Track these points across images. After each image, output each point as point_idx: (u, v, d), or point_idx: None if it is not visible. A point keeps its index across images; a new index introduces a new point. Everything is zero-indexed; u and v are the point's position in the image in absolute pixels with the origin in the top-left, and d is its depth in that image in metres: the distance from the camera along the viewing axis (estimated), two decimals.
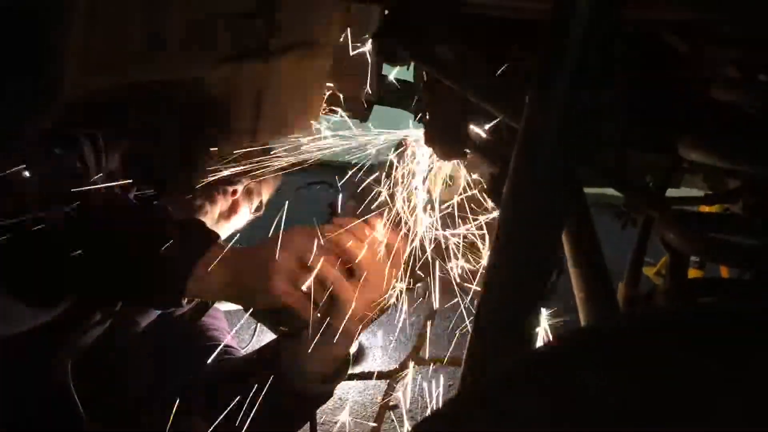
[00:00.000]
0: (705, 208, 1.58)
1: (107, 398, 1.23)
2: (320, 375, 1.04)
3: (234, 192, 1.41)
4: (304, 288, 0.90)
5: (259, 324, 1.78)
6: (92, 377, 1.22)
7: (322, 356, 1.02)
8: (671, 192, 0.99)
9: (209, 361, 1.26)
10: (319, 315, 0.94)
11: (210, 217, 1.39)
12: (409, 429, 1.47)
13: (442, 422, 0.34)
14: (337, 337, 0.97)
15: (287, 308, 0.90)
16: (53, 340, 1.14)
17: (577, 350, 0.32)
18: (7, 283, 1.05)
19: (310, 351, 1.03)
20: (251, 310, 1.00)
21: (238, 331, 1.91)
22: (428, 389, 1.66)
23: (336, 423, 1.49)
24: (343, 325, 0.95)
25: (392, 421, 1.53)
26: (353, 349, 1.81)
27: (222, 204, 1.40)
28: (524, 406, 0.33)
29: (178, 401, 1.18)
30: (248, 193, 1.48)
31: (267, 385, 1.07)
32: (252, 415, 1.12)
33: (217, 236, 0.96)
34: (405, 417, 1.53)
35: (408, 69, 1.24)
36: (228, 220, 1.44)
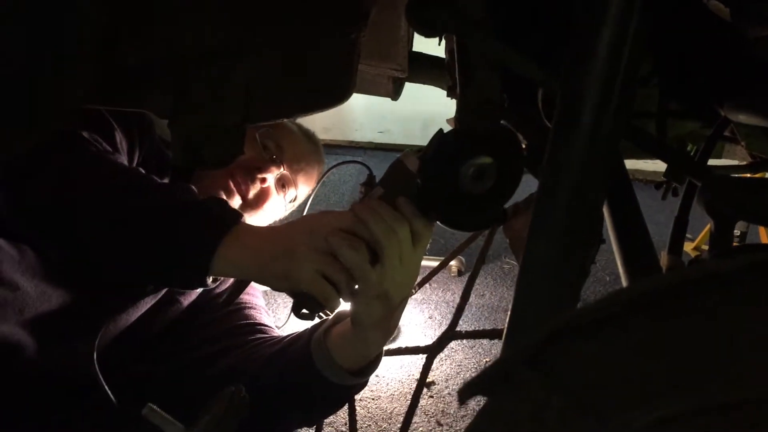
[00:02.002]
0: None
1: (149, 375, 1.26)
2: (353, 369, 1.04)
3: (263, 180, 1.38)
4: (326, 275, 0.89)
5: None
6: (135, 355, 1.25)
7: (354, 352, 1.02)
8: (712, 162, 0.97)
9: (248, 339, 1.28)
10: (341, 302, 0.93)
11: (234, 205, 1.38)
12: (448, 403, 1.47)
13: (485, 382, 0.34)
14: (368, 332, 0.97)
15: (309, 293, 0.89)
16: (84, 321, 1.16)
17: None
18: (43, 260, 1.08)
19: (342, 346, 1.03)
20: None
21: (274, 311, 1.94)
22: (465, 364, 1.67)
23: (374, 399, 1.50)
24: (368, 318, 0.94)
25: (430, 396, 1.53)
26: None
27: (250, 191, 1.38)
28: (574, 363, 0.32)
29: (216, 380, 1.21)
30: (282, 183, 1.44)
31: (300, 375, 1.07)
32: (288, 399, 1.13)
33: (240, 215, 0.95)
34: (443, 392, 1.54)
35: (439, 45, 1.23)
36: (257, 208, 1.40)
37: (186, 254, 0.90)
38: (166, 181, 1.28)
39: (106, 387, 1.14)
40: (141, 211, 0.91)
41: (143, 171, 1.04)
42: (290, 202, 1.49)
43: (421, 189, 0.85)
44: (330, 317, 1.06)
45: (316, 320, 1.00)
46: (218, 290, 1.43)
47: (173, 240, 0.90)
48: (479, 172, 0.83)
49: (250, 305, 1.42)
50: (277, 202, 1.45)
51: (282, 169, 1.42)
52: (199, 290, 1.39)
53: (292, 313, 0.92)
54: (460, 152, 0.82)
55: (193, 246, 0.89)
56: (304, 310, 0.91)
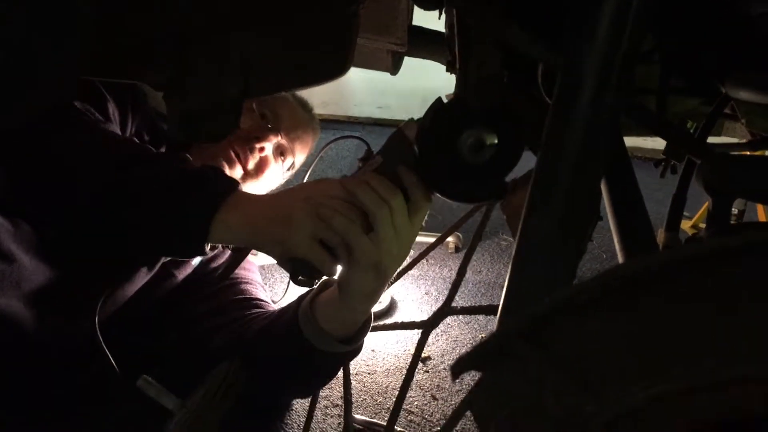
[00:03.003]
0: None
1: (145, 349, 1.26)
2: (341, 337, 1.04)
3: (262, 149, 1.40)
4: (323, 240, 0.89)
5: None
6: (132, 330, 1.25)
7: (341, 319, 1.02)
8: (712, 140, 0.96)
9: (244, 314, 1.29)
10: (338, 268, 0.93)
11: (235, 175, 1.40)
12: (443, 377, 1.48)
13: (479, 357, 0.34)
14: (354, 299, 0.97)
15: (305, 259, 0.89)
16: (81, 295, 1.17)
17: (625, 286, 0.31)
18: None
19: (329, 314, 1.03)
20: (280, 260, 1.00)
21: (271, 286, 1.94)
22: (461, 340, 1.68)
23: (370, 374, 1.51)
24: (361, 286, 0.94)
25: (426, 371, 1.54)
26: (381, 306, 1.83)
27: (249, 161, 1.39)
28: (569, 339, 0.32)
29: (215, 350, 1.21)
30: (280, 151, 1.46)
31: (291, 346, 1.08)
32: (281, 371, 1.14)
33: (237, 183, 0.95)
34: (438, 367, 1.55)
35: (439, 18, 1.21)
36: (256, 177, 1.42)
37: (184, 221, 0.90)
38: (164, 149, 1.28)
39: (109, 355, 1.16)
40: (138, 180, 0.91)
41: (135, 140, 1.04)
42: (287, 170, 1.51)
43: (419, 157, 0.84)
44: (316, 286, 1.07)
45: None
46: (214, 265, 1.44)
47: (171, 208, 0.90)
48: (479, 142, 0.82)
49: (246, 280, 1.42)
50: (276, 170, 1.47)
51: (280, 137, 1.44)
52: (194, 264, 1.39)
53: (291, 281, 0.92)
54: (459, 121, 0.81)
55: (191, 213, 0.89)
56: (301, 277, 0.91)
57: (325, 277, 0.94)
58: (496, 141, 0.82)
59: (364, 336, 1.08)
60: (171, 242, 0.94)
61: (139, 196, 0.90)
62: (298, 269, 0.91)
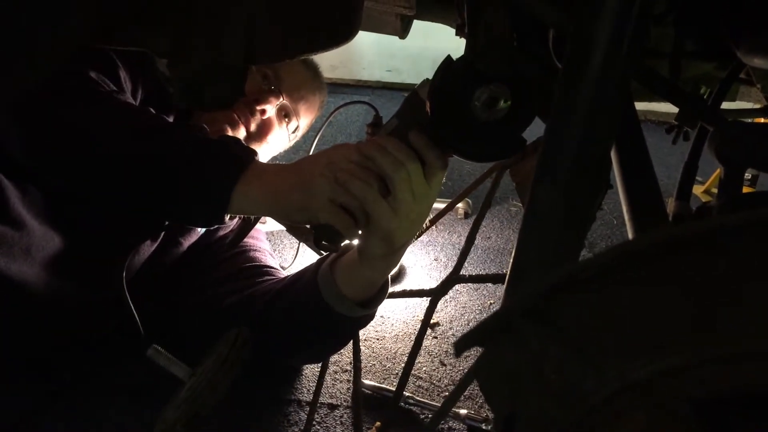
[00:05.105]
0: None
1: (155, 318, 1.28)
2: (359, 300, 1.05)
3: (263, 111, 1.38)
4: (343, 204, 0.89)
5: (300, 244, 1.81)
6: (142, 299, 1.26)
7: (361, 282, 1.03)
8: (726, 105, 0.94)
9: (256, 281, 1.29)
10: (359, 232, 0.93)
11: (239, 137, 1.38)
12: (452, 344, 1.49)
13: (482, 334, 0.34)
14: (375, 262, 0.97)
15: (327, 224, 0.90)
16: (111, 258, 1.18)
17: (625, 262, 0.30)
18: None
19: (348, 277, 1.03)
20: (289, 227, 1.00)
21: (280, 252, 1.95)
22: (470, 306, 1.69)
23: (379, 339, 1.52)
24: (380, 250, 0.94)
25: (434, 337, 1.55)
26: (393, 272, 1.83)
27: (252, 123, 1.37)
28: (570, 317, 0.32)
29: (224, 315, 1.22)
30: (284, 113, 1.44)
31: (308, 309, 1.08)
32: (297, 333, 1.15)
33: (255, 153, 0.95)
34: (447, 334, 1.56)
35: None
36: (260, 140, 1.40)
37: (205, 192, 0.90)
38: (171, 117, 1.27)
39: (138, 319, 1.18)
40: (158, 152, 0.91)
41: (152, 110, 1.03)
42: (293, 132, 1.49)
43: (432, 116, 0.82)
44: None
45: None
46: (221, 233, 1.44)
47: (192, 179, 0.90)
48: (492, 98, 0.80)
49: (254, 248, 1.42)
50: (280, 133, 1.45)
51: (281, 99, 1.41)
52: (200, 232, 1.39)
53: (315, 246, 0.93)
54: (470, 77, 0.79)
55: (211, 184, 0.90)
56: (325, 242, 0.91)
57: (347, 241, 0.94)
58: (509, 97, 0.80)
59: (382, 300, 1.08)
60: (192, 212, 0.94)
61: (158, 167, 0.90)
62: (320, 234, 0.91)
